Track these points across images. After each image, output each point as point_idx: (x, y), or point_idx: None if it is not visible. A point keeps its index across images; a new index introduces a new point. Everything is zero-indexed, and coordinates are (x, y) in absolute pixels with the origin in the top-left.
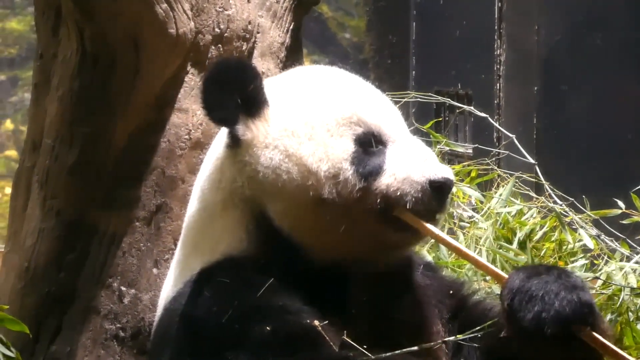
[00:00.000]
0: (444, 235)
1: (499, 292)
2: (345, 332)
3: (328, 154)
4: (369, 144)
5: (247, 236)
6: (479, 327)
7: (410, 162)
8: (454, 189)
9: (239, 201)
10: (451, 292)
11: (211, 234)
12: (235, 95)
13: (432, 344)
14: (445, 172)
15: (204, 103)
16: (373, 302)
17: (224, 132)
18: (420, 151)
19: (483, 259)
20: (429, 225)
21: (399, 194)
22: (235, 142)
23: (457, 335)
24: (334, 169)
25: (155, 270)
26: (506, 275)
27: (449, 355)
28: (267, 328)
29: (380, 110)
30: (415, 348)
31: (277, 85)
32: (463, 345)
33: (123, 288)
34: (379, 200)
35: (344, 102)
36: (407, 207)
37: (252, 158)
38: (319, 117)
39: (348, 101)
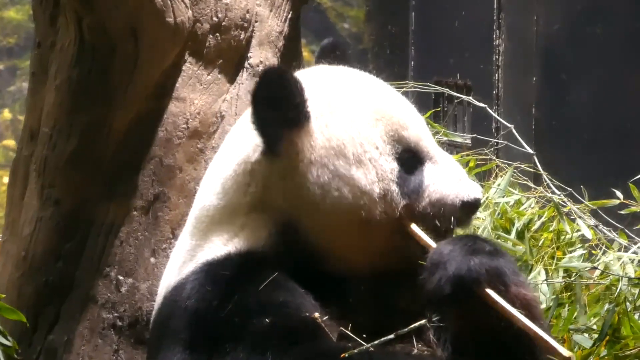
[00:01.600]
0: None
1: None
2: (350, 325)
3: (379, 175)
4: (410, 163)
5: (267, 238)
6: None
7: (446, 183)
8: None
9: (269, 208)
10: None
11: (228, 228)
12: (283, 110)
13: (412, 325)
14: (477, 192)
15: (253, 119)
16: (377, 295)
17: (246, 126)
18: (453, 170)
19: None
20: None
21: (433, 216)
22: (274, 151)
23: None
24: (383, 190)
25: (152, 260)
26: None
27: (438, 344)
28: (267, 321)
29: (417, 125)
30: (405, 330)
31: (313, 91)
32: (443, 331)
33: (121, 277)
34: (418, 220)
35: (386, 118)
36: (437, 226)
37: (296, 172)
38: (365, 136)
39: (389, 116)
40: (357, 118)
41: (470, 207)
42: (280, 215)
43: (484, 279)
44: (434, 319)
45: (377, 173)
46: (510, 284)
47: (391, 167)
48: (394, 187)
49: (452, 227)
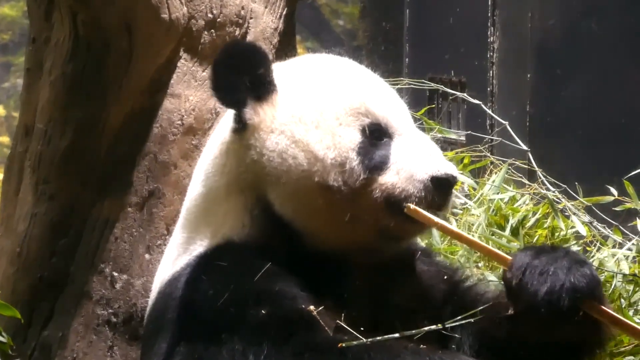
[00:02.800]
0: (457, 229)
1: (491, 279)
2: (343, 316)
3: (335, 142)
4: (376, 135)
5: (250, 221)
6: (471, 312)
7: (414, 158)
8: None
9: (244, 186)
10: (445, 277)
11: (214, 218)
12: (245, 78)
13: (427, 328)
14: (449, 167)
15: (213, 85)
16: (372, 289)
17: (229, 116)
18: (424, 146)
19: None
20: (441, 221)
21: (403, 195)
22: (241, 126)
23: (453, 320)
24: (340, 158)
25: (147, 256)
26: (509, 259)
27: (442, 339)
28: (263, 312)
29: (388, 102)
30: (412, 332)
31: (286, 70)
32: (456, 328)
33: (115, 273)
34: (384, 195)
35: (353, 92)
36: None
37: (258, 142)
38: (328, 105)
39: (357, 91)
40: (322, 90)
41: (442, 184)
42: (253, 192)
43: (598, 294)
44: (445, 323)
45: (333, 139)
46: (605, 297)
47: (351, 136)
48: (353, 156)
49: (431, 206)
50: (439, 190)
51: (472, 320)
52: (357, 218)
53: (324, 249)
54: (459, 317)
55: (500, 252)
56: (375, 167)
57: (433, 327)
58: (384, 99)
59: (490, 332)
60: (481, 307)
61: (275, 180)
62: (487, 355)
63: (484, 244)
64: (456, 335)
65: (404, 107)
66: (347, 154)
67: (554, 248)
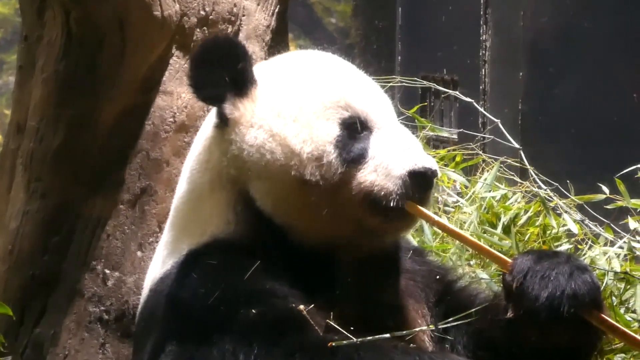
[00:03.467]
0: (454, 228)
1: (483, 277)
2: (331, 315)
3: (312, 135)
4: (355, 128)
5: (235, 218)
6: (466, 312)
7: (393, 152)
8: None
9: (227, 182)
10: (438, 277)
11: (200, 215)
12: (224, 73)
13: (419, 328)
14: (427, 161)
15: (190, 80)
16: (359, 286)
17: (213, 112)
18: (403, 140)
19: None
20: (442, 220)
21: (382, 193)
22: (223, 122)
23: (444, 321)
24: (317, 151)
25: (139, 254)
26: (509, 261)
27: (435, 339)
28: (253, 311)
29: (368, 96)
30: (404, 332)
31: (268, 66)
32: (450, 329)
33: (107, 271)
34: (363, 193)
35: (332, 86)
36: (392, 204)
37: (238, 136)
38: (306, 99)
39: (337, 85)
40: (302, 84)
41: (420, 178)
42: (236, 188)
43: (599, 302)
44: (439, 323)
45: (310, 133)
46: (604, 305)
47: (329, 130)
48: (330, 149)
49: (401, 203)
50: (417, 185)
51: (466, 320)
52: (336, 213)
53: (307, 245)
54: (451, 319)
55: (500, 254)
56: (353, 160)
57: (424, 327)
58: (365, 93)
59: (486, 332)
60: (476, 309)
61: (255, 175)
62: (483, 356)
63: (484, 245)
64: (448, 337)
65: (387, 101)
66: (324, 147)
67: (556, 253)
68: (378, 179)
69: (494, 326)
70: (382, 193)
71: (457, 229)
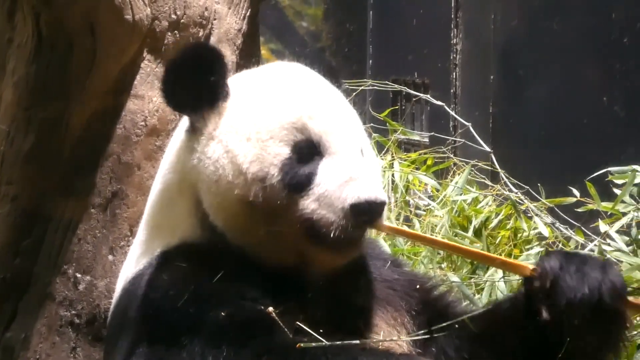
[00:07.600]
0: (464, 246)
1: (454, 279)
2: (300, 317)
3: (260, 156)
4: (305, 152)
5: (199, 223)
6: (454, 320)
7: (338, 181)
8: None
9: (185, 189)
10: (417, 286)
11: (171, 216)
12: (197, 83)
13: (394, 338)
14: (371, 193)
15: (163, 86)
16: (328, 289)
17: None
18: (353, 168)
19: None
20: (433, 237)
21: (322, 222)
22: (192, 128)
23: (422, 332)
24: (261, 173)
25: (110, 257)
26: (529, 266)
27: (418, 344)
28: (222, 313)
29: (330, 118)
30: (380, 339)
31: (242, 79)
32: (436, 337)
33: (78, 275)
34: (304, 221)
35: (293, 106)
36: (332, 235)
37: (199, 147)
38: (265, 118)
39: (298, 106)
40: (264, 102)
41: (360, 212)
42: (194, 197)
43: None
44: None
45: (259, 153)
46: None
47: (277, 151)
48: (275, 172)
49: (350, 237)
50: (359, 217)
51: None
52: (279, 237)
53: (262, 263)
54: (421, 332)
55: (517, 261)
56: (297, 185)
57: (418, 335)
58: (327, 115)
59: (481, 338)
60: (470, 314)
61: (207, 189)
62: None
63: (495, 255)
64: (432, 349)
65: (353, 121)
66: (268, 170)
67: (575, 252)
68: (320, 208)
69: (508, 333)
70: (322, 222)
71: (472, 248)
